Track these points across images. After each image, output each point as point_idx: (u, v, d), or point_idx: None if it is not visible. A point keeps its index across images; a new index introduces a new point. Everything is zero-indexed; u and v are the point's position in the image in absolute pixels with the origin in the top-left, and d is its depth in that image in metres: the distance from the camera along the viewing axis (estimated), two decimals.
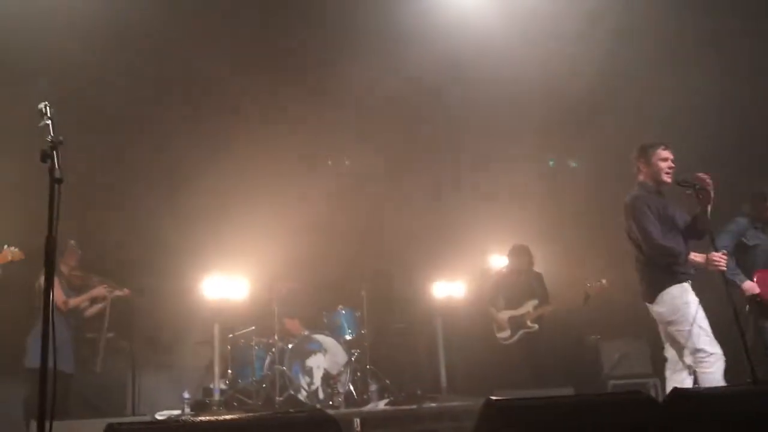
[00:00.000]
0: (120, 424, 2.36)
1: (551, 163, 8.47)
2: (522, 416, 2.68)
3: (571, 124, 7.92)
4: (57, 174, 2.68)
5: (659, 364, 7.23)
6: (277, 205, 8.24)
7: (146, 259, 7.34)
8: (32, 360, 5.50)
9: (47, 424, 2.71)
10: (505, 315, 7.06)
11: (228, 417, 2.64)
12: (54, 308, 2.81)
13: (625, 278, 7.19)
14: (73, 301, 5.86)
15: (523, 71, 6.89)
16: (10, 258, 5.35)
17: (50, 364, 5.21)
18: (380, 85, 7.11)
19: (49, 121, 2.90)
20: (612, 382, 7.06)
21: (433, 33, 6.77)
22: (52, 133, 2.84)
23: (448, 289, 7.22)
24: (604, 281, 6.64)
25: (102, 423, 4.63)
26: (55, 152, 2.78)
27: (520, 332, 6.95)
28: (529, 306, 6.93)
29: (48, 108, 2.93)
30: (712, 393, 3.04)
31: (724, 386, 4.49)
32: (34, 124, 2.95)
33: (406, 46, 6.80)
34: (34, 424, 4.53)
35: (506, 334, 7.04)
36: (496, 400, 2.86)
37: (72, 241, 6.03)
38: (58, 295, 5.63)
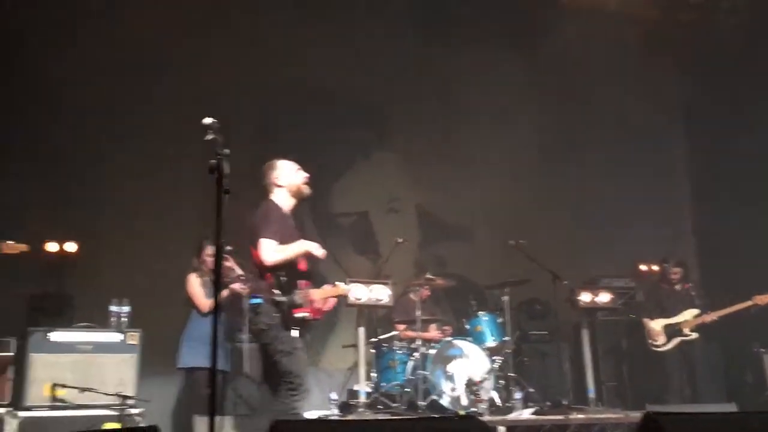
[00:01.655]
0: (285, 422, 2.47)
1: None
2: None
3: None
4: (225, 185, 2.87)
5: None
6: (411, 209, 8.41)
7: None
8: (182, 360, 5.89)
9: (214, 420, 2.85)
10: (658, 324, 6.72)
11: (397, 417, 2.71)
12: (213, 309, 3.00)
13: None
14: (211, 302, 5.99)
15: None
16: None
17: (202, 364, 5.65)
18: None
19: (215, 136, 3.12)
20: None
21: None
22: (218, 147, 3.04)
23: (595, 294, 6.97)
24: None
25: (255, 420, 4.92)
26: (221, 165, 2.98)
27: (677, 340, 6.58)
28: (687, 315, 6.55)
29: (214, 123, 3.14)
30: None
31: None
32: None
33: None
34: (197, 419, 4.90)
35: (661, 341, 6.69)
36: (656, 413, 2.73)
37: (206, 240, 6.26)
38: (198, 297, 5.97)
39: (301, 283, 4.51)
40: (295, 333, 4.44)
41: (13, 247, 4.32)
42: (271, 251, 4.37)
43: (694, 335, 6.61)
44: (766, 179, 7.50)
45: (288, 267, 4.46)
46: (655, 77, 9.01)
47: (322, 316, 4.81)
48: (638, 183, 8.62)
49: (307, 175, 4.74)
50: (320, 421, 3.62)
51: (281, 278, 4.40)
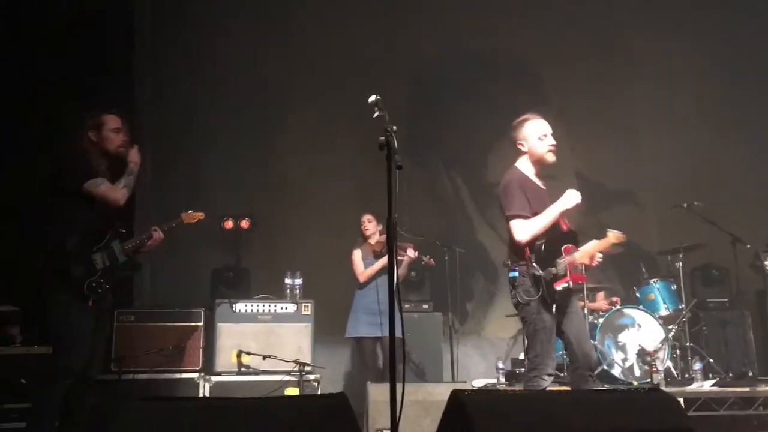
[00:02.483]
0: (463, 391, 2.51)
1: None
2: None
3: None
4: (397, 161, 2.92)
5: None
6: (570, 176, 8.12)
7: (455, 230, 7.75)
8: (349, 330, 6.12)
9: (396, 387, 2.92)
10: None
11: (572, 390, 2.68)
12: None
13: None
14: (368, 272, 6.13)
15: None
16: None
17: (366, 333, 5.83)
18: None
19: (382, 112, 3.17)
20: None
21: None
22: (386, 123, 3.09)
23: None
24: None
25: (427, 387, 5.04)
26: (390, 141, 3.03)
27: None
28: None
29: (380, 101, 3.20)
30: None
31: None
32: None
33: None
34: (370, 386, 5.09)
35: None
36: None
37: (367, 215, 6.35)
38: (356, 268, 6.15)
39: (566, 248, 4.12)
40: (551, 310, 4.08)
41: (191, 216, 4.63)
42: (521, 231, 4.07)
43: None
44: None
45: (548, 234, 4.11)
46: None
47: (585, 279, 4.37)
48: None
49: (553, 142, 4.26)
50: (493, 391, 3.64)
51: (541, 249, 4.08)
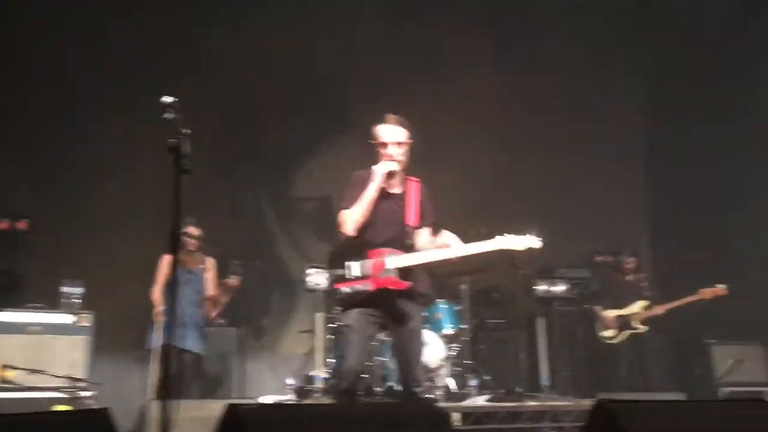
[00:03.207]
0: (240, 405, 2.44)
1: None
2: (635, 419, 2.59)
3: None
4: (184, 165, 2.81)
5: None
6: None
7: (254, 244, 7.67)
8: (153, 340, 5.82)
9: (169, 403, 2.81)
10: (611, 314, 6.86)
11: (349, 403, 2.72)
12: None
13: (745, 281, 6.90)
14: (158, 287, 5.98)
15: None
16: None
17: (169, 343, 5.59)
18: None
19: (174, 115, 3.05)
20: (727, 389, 6.72)
21: None
22: (177, 126, 2.98)
23: (551, 284, 7.09)
24: (721, 286, 6.35)
25: (211, 403, 4.88)
26: (180, 144, 2.92)
27: (627, 333, 6.75)
28: (637, 306, 6.71)
29: (174, 101, 3.07)
30: None
31: None
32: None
33: None
34: (153, 403, 4.81)
35: (612, 333, 6.86)
36: (608, 401, 2.78)
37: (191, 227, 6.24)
38: (160, 275, 5.95)
39: (377, 251, 3.98)
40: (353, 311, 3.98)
41: None
42: (343, 221, 4.00)
43: (644, 328, 6.77)
44: (722, 173, 7.67)
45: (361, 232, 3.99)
46: (619, 64, 9.13)
47: (400, 285, 4.02)
48: (596, 175, 8.73)
49: (398, 152, 4.14)
50: (273, 405, 3.59)
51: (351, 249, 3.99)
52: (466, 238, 4.26)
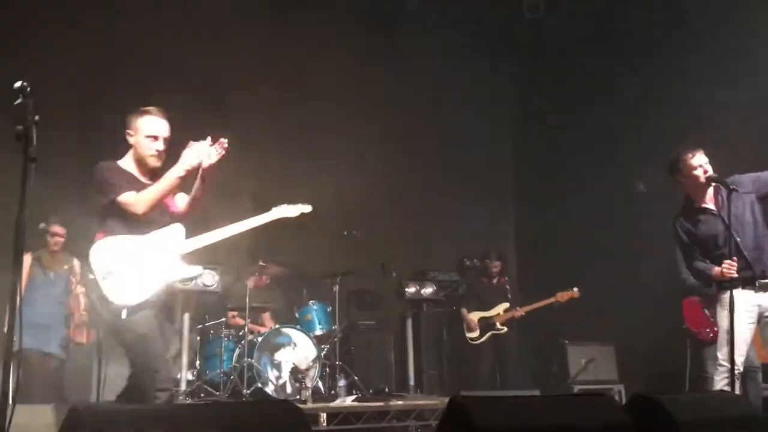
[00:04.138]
0: (85, 407, 2.34)
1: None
2: (485, 414, 2.71)
3: None
4: (31, 153, 2.66)
5: (625, 370, 7.44)
6: (248, 195, 8.25)
7: None
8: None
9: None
10: (476, 316, 7.14)
11: (195, 403, 2.64)
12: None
13: (599, 282, 7.39)
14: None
15: None
16: None
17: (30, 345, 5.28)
18: None
19: (27, 100, 2.87)
20: (578, 387, 7.16)
21: None
22: (28, 113, 2.81)
23: (421, 287, 7.28)
24: (575, 290, 6.76)
25: (65, 408, 4.62)
26: (29, 131, 2.76)
27: (489, 333, 7.05)
28: (499, 308, 7.03)
29: (25, 87, 2.90)
30: (673, 399, 3.11)
31: (687, 393, 4.60)
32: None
33: None
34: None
35: (475, 334, 7.14)
36: (462, 398, 2.89)
37: (42, 224, 5.98)
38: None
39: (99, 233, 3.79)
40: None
41: None
42: (135, 202, 3.71)
43: (505, 329, 7.09)
44: (585, 183, 8.15)
45: None
46: (488, 78, 9.52)
47: None
48: (466, 180, 9.07)
49: (161, 148, 3.90)
50: (116, 406, 3.44)
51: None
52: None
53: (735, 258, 4.07)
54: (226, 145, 3.88)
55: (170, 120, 4.00)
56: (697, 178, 4.27)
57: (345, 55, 8.63)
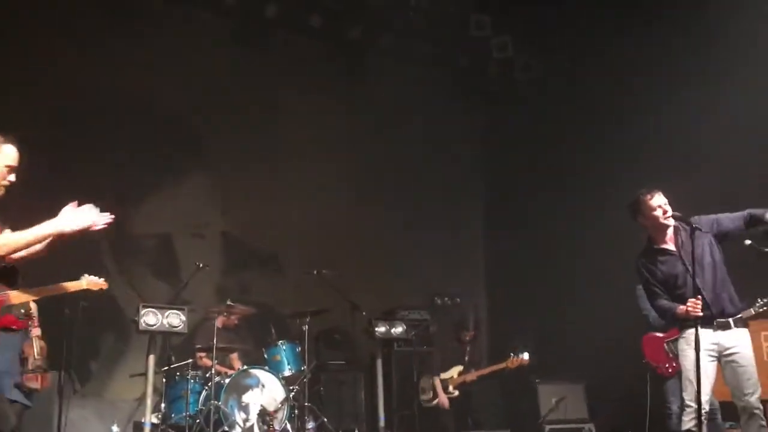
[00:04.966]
0: None
1: None
2: None
3: None
4: None
5: (594, 408, 7.44)
6: (217, 235, 8.20)
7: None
8: None
9: None
10: (428, 379, 7.09)
11: None
12: None
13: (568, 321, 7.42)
14: None
15: None
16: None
17: None
18: None
19: None
20: (548, 426, 7.12)
21: None
22: None
23: (391, 326, 7.22)
24: (525, 356, 6.71)
25: None
26: None
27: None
28: (453, 371, 6.98)
29: None
30: None
31: None
32: None
33: None
34: None
35: (428, 396, 7.11)
36: None
37: None
38: None
39: None
40: None
41: None
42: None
43: (456, 393, 7.04)
44: (555, 220, 8.23)
45: None
46: (458, 122, 9.66)
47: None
48: (435, 219, 9.14)
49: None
50: None
51: None
52: None
53: (699, 297, 4.13)
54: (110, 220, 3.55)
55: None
56: (656, 218, 4.34)
57: (317, 95, 8.72)
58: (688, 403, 4.11)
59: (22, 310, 5.86)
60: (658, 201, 4.34)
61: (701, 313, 4.10)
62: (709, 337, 4.17)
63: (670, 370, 5.51)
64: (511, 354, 6.72)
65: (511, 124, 9.23)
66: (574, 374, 7.58)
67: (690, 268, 4.17)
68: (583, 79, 8.22)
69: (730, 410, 4.93)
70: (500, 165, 9.59)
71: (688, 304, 4.13)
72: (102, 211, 3.56)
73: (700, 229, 4.21)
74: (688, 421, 4.10)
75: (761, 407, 4.08)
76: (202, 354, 6.67)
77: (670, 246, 4.40)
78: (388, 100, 8.85)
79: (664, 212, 4.30)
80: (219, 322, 6.71)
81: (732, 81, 6.31)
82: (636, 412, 5.92)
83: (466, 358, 7.15)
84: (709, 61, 6.61)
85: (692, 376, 4.07)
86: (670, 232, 4.41)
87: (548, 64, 8.90)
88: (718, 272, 4.26)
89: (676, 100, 6.83)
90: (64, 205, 3.49)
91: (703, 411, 4.02)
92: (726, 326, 4.20)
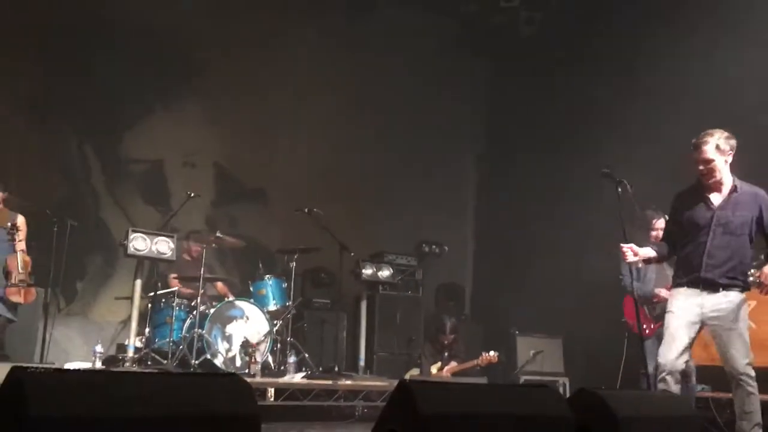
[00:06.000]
0: (26, 368, 2.28)
1: None
2: (430, 399, 2.73)
3: None
4: None
5: (570, 363, 7.60)
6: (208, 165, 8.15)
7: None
8: None
9: None
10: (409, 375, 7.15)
11: (139, 371, 2.61)
12: None
13: (549, 278, 7.49)
14: None
15: None
16: None
17: None
18: None
19: None
20: (524, 377, 7.27)
21: None
22: None
23: (378, 269, 7.28)
24: (494, 354, 6.74)
25: (6, 367, 4.52)
26: None
27: None
28: (433, 368, 7.03)
29: None
30: (615, 395, 3.18)
31: (631, 390, 4.71)
32: None
33: None
34: None
35: None
36: (410, 382, 2.91)
37: None
38: None
39: None
40: None
41: None
42: None
43: None
44: (543, 182, 8.24)
45: None
46: (459, 71, 9.53)
47: None
48: (429, 172, 9.12)
49: None
50: (61, 370, 3.38)
51: None
52: None
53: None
54: None
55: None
56: (725, 168, 4.13)
57: (316, 31, 8.57)
58: (662, 363, 4.17)
59: (9, 224, 5.89)
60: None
61: (634, 258, 4.26)
62: (694, 298, 4.18)
63: (647, 332, 5.61)
64: (483, 352, 6.78)
65: (513, 79, 9.14)
66: (554, 328, 7.70)
67: (713, 229, 4.12)
68: (590, 41, 8.14)
69: (710, 374, 5.06)
70: (499, 118, 9.53)
71: (623, 247, 4.24)
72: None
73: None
74: (660, 380, 4.17)
75: (748, 373, 4.00)
76: (176, 282, 6.66)
77: (715, 197, 4.21)
78: (389, 43, 8.71)
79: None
80: (184, 250, 6.78)
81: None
82: (611, 370, 6.05)
83: (446, 354, 7.13)
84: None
85: (668, 333, 4.14)
86: (725, 189, 4.20)
87: (550, 22, 8.76)
88: (733, 247, 4.13)
89: (682, 55, 6.73)
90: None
91: (664, 371, 4.08)
92: (713, 289, 4.13)
